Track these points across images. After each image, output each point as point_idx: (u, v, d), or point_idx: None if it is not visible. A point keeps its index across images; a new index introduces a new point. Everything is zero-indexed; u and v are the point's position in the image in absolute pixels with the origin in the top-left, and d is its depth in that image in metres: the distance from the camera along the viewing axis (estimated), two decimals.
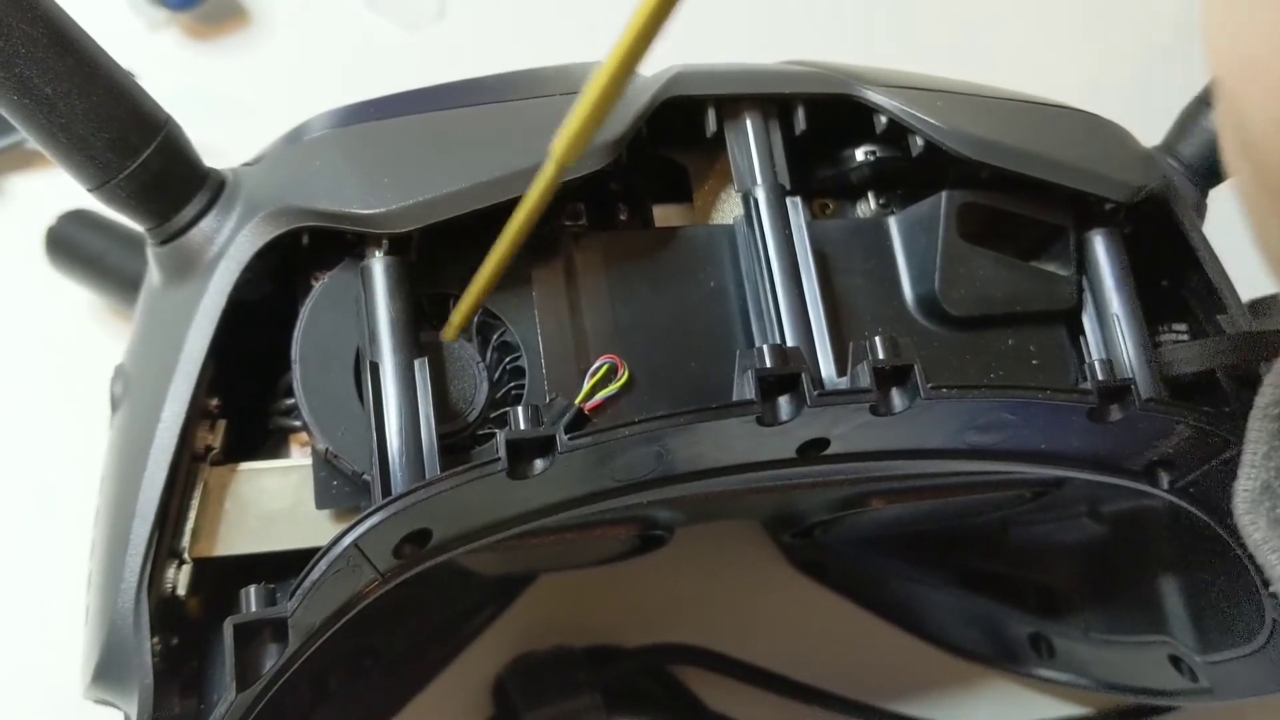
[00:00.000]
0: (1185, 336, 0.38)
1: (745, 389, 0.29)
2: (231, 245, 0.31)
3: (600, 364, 0.31)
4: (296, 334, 0.31)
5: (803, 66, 0.36)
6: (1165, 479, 0.34)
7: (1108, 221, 0.36)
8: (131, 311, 0.37)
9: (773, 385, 0.29)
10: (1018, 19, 0.66)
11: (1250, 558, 0.29)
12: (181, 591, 0.31)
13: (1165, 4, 0.66)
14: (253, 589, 0.29)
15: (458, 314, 0.31)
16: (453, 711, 0.48)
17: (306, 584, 0.28)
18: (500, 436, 0.28)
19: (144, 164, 0.30)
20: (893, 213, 0.37)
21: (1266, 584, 0.29)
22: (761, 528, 0.52)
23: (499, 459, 0.27)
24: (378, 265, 0.31)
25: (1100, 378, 0.33)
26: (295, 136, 0.34)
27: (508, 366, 0.32)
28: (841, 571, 0.53)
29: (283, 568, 0.31)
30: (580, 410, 0.30)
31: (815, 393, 0.29)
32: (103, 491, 0.33)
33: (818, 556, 0.52)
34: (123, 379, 0.34)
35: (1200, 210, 0.38)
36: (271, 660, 0.28)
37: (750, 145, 0.34)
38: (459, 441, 0.31)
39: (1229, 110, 0.22)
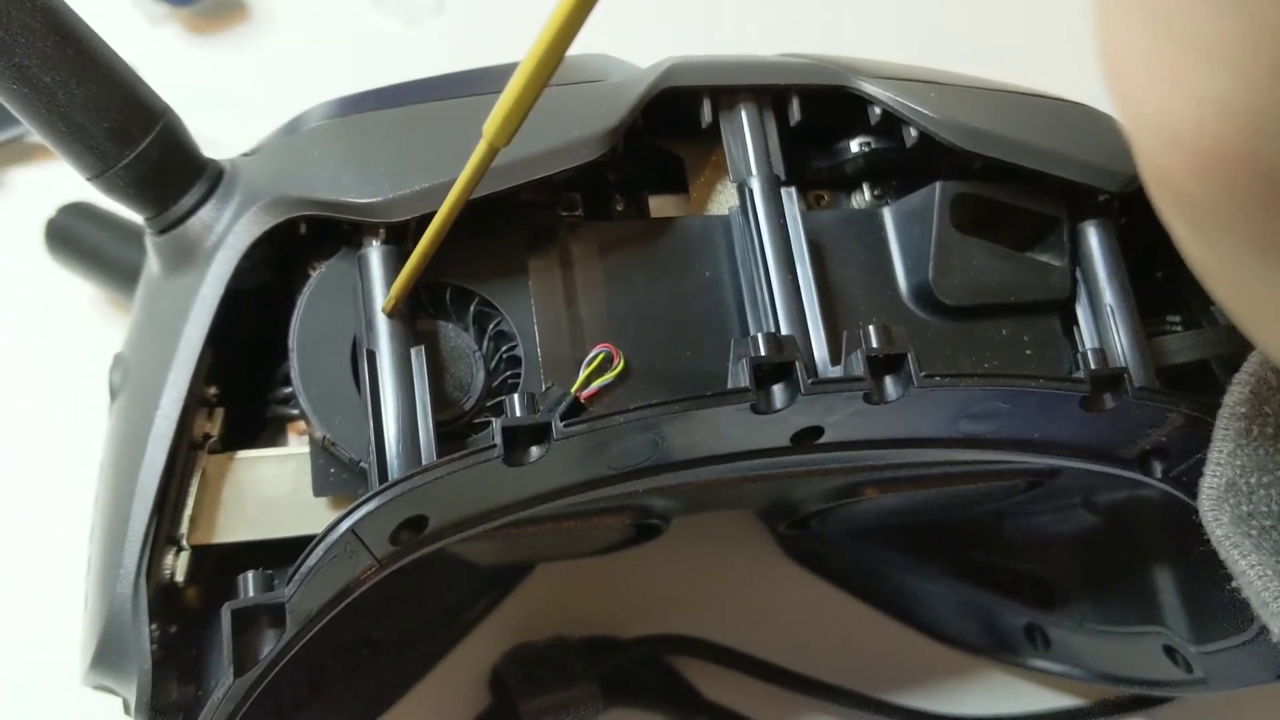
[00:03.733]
0: (1179, 327, 0.38)
1: (740, 377, 0.29)
2: (229, 234, 0.31)
3: (596, 353, 0.32)
4: (294, 323, 0.31)
5: (798, 58, 0.36)
6: (1158, 468, 0.34)
7: (1101, 212, 0.36)
8: (131, 302, 0.37)
9: (767, 373, 0.30)
10: (1012, 11, 0.66)
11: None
12: (180, 579, 0.31)
13: None
14: (250, 574, 0.29)
15: (396, 288, 0.30)
16: (450, 702, 0.48)
17: (304, 570, 0.28)
18: (496, 424, 0.28)
19: (142, 153, 0.30)
20: (887, 203, 0.37)
21: (1229, 579, 0.30)
22: (757, 518, 0.52)
23: (495, 446, 0.28)
24: (374, 254, 0.31)
25: (1093, 367, 0.33)
26: (293, 127, 0.34)
27: (504, 355, 0.32)
28: (837, 562, 0.53)
29: (281, 555, 0.31)
30: (576, 398, 0.31)
31: (809, 381, 0.29)
32: (102, 479, 0.33)
33: (813, 547, 0.52)
34: (122, 367, 0.34)
35: None
36: (269, 646, 0.28)
37: (745, 136, 0.34)
38: (456, 429, 0.31)
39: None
